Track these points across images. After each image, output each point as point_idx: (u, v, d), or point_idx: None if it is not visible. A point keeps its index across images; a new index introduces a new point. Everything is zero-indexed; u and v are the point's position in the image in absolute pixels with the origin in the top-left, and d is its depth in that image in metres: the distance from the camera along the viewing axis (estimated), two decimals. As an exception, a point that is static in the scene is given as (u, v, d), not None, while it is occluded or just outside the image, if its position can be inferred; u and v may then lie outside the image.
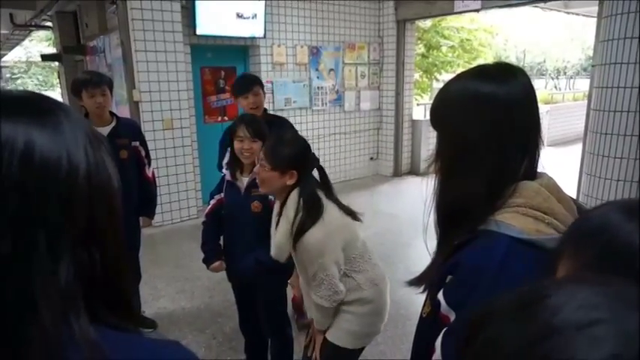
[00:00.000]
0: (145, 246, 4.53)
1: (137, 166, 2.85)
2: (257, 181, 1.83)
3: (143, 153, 2.89)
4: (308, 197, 1.66)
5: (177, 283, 3.72)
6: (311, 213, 1.62)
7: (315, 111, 6.59)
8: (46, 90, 20.86)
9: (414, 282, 0.93)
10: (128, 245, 3.07)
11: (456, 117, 0.84)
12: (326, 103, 6.67)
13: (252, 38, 5.69)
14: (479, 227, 0.79)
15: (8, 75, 23.78)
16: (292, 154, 1.69)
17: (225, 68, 5.87)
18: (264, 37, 5.73)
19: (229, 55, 5.85)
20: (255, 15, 5.52)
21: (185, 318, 3.20)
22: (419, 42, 9.21)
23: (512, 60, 27.56)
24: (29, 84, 23.30)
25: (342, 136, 7.04)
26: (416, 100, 9.24)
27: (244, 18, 5.45)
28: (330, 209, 1.67)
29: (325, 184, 1.77)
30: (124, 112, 4.75)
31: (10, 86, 24.30)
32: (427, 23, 9.14)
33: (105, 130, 2.66)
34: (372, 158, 7.52)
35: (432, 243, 0.93)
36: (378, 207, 5.68)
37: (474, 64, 11.46)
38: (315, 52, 6.39)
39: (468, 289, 0.74)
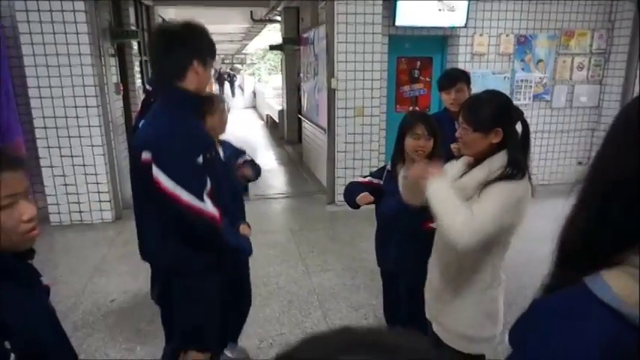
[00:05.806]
0: (326, 221, 5.00)
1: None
2: (459, 144, 1.74)
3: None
4: (514, 157, 1.57)
5: (345, 260, 4.01)
6: (514, 172, 1.54)
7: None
8: (276, 74, 24.18)
9: None
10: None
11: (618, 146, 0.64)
12: (529, 98, 6.04)
13: (452, 28, 5.53)
14: (583, 278, 0.62)
15: (249, 61, 28.39)
16: (493, 112, 1.60)
17: (422, 58, 5.87)
18: (465, 26, 5.50)
19: (427, 45, 5.82)
20: (457, 4, 5.34)
21: (344, 293, 3.45)
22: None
23: None
24: (262, 68, 27.39)
25: (546, 135, 6.29)
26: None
27: (445, 7, 5.33)
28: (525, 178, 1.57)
29: (526, 138, 1.66)
30: (322, 98, 5.25)
31: (249, 70, 28.97)
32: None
33: None
34: (580, 163, 6.52)
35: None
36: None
37: None
38: (522, 41, 5.83)
39: (529, 330, 0.67)
